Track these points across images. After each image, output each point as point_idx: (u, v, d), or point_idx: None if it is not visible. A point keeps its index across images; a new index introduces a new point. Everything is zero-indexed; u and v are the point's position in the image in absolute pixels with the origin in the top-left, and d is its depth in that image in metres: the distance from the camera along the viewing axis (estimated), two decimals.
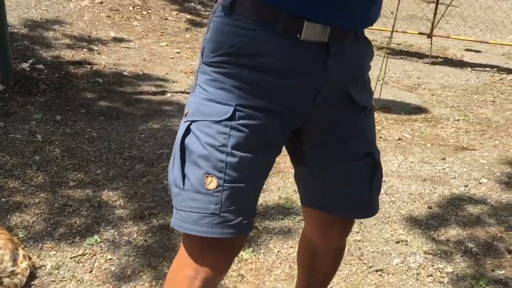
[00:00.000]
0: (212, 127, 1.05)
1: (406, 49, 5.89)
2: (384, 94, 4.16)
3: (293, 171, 1.31)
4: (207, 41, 1.10)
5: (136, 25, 5.34)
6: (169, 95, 3.81)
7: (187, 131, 1.07)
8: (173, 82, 4.08)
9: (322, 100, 1.11)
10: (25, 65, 3.75)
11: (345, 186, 1.22)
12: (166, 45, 4.98)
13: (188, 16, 6.00)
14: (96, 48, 4.48)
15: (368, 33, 5.98)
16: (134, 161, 2.75)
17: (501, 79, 4.84)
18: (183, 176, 1.05)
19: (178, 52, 4.84)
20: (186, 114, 1.10)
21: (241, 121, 1.05)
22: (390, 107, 3.95)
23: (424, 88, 4.49)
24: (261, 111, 1.07)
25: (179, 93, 3.86)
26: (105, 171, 2.62)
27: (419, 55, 5.62)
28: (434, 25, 5.51)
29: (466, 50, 6.00)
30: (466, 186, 2.71)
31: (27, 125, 2.99)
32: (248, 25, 1.03)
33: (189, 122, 1.08)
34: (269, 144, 1.10)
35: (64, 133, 2.97)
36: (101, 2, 5.60)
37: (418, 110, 3.93)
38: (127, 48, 4.70)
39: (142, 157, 2.81)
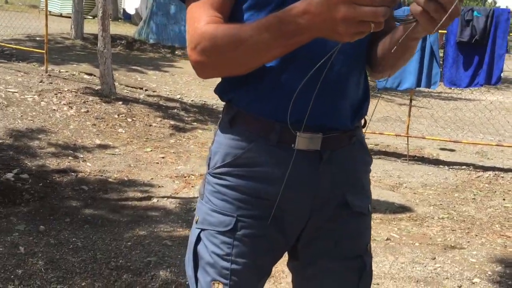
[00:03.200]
0: (217, 237, 1.12)
1: (384, 149, 6.09)
2: None
3: (284, 275, 1.30)
4: (212, 152, 1.17)
5: (121, 132, 5.45)
6: (155, 200, 3.80)
7: (198, 238, 1.15)
8: (159, 187, 4.09)
9: (318, 206, 1.14)
10: (9, 175, 3.73)
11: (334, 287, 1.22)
12: (151, 151, 5.06)
13: (172, 122, 6.18)
14: (81, 156, 4.52)
15: None
16: (121, 271, 2.66)
17: (478, 177, 4.99)
18: (196, 279, 1.15)
19: (163, 157, 4.91)
20: (197, 221, 1.17)
21: (243, 231, 1.11)
22: (375, 206, 3.99)
23: (405, 187, 4.59)
24: (261, 219, 1.12)
25: (165, 198, 3.85)
26: (90, 283, 2.52)
27: (397, 155, 5.81)
28: (408, 126, 5.77)
29: (441, 149, 6.24)
30: (460, 287, 2.68)
31: (10, 236, 2.91)
32: (246, 137, 1.10)
33: (199, 230, 1.15)
34: (271, 250, 1.15)
35: (48, 244, 2.88)
36: (87, 111, 5.76)
37: (403, 209, 3.98)
38: (112, 154, 4.76)
39: (129, 266, 2.72)
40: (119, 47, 12.04)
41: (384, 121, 8.25)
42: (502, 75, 5.05)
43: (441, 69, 5.23)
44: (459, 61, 5.12)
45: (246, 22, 1.03)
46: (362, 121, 1.25)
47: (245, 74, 1.05)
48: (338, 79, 1.09)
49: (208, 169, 1.17)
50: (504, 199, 4.34)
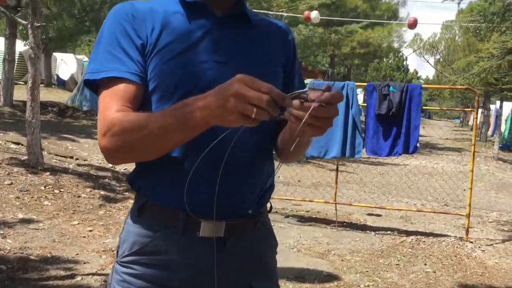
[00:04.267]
0: None
1: (314, 216, 6.25)
2: (297, 262, 4.29)
3: None
4: (121, 240, 1.20)
5: (47, 205, 5.25)
6: (79, 278, 3.64)
7: None
8: (84, 263, 3.93)
9: None
10: None
11: None
12: (78, 224, 4.90)
13: (102, 192, 6.04)
14: (1, 232, 4.29)
15: (278, 201, 6.28)
16: None
17: (402, 242, 5.22)
18: None
19: (91, 230, 4.76)
20: None
21: None
22: (304, 275, 4.05)
23: (334, 254, 4.70)
24: None
25: (90, 276, 3.70)
26: None
27: (327, 221, 5.97)
28: (336, 193, 5.98)
29: (368, 214, 6.50)
30: None
31: None
32: (153, 226, 1.16)
33: None
34: None
35: None
36: (11, 184, 5.53)
37: (331, 277, 4.06)
38: (36, 229, 4.55)
39: None
40: (50, 114, 11.80)
41: (315, 187, 8.50)
42: (418, 143, 5.43)
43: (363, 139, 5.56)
44: (379, 132, 5.49)
45: (153, 112, 1.10)
46: (268, 205, 1.33)
47: (151, 163, 1.10)
48: (241, 166, 1.15)
49: (117, 258, 1.20)
50: (425, 264, 4.55)
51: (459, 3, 5.12)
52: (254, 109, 0.84)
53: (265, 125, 0.96)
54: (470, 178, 5.34)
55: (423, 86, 5.53)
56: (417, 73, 60.35)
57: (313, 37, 12.84)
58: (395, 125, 5.42)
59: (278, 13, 10.07)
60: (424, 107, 5.76)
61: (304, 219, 6.04)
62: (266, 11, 10.61)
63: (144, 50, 1.12)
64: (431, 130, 25.14)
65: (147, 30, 1.13)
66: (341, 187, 8.60)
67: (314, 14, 8.63)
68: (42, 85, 12.55)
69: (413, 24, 9.68)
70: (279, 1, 10.53)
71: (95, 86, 1.14)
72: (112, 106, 1.07)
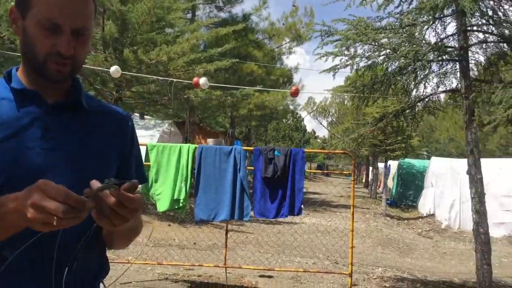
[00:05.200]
0: None
1: (206, 281, 6.15)
2: None
3: None
4: None
5: None
6: None
7: None
8: None
9: None
10: None
11: None
12: None
13: None
14: None
15: (170, 267, 6.07)
16: None
17: None
18: None
19: None
20: None
21: None
22: None
23: None
24: None
25: None
26: None
27: (219, 286, 5.89)
28: (226, 256, 5.97)
29: (260, 276, 6.53)
30: None
31: None
32: None
33: None
34: None
35: None
36: None
37: None
38: None
39: None
40: None
41: (211, 249, 8.42)
42: (302, 205, 5.66)
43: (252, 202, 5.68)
44: (266, 194, 5.65)
45: None
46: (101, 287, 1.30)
47: None
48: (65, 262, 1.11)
49: None
50: None
51: (334, 75, 5.56)
52: (55, 217, 0.86)
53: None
54: (350, 238, 5.62)
55: (305, 150, 5.85)
56: (315, 133, 63.84)
57: (210, 99, 13.20)
58: (280, 187, 5.62)
59: (168, 78, 10.25)
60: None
61: (195, 285, 5.91)
62: (159, 77, 10.77)
63: None
64: (326, 188, 26.39)
65: None
66: (237, 249, 8.61)
67: (202, 81, 8.94)
68: None
69: (295, 93, 10.39)
70: (176, 64, 10.75)
71: None
72: None
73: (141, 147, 5.73)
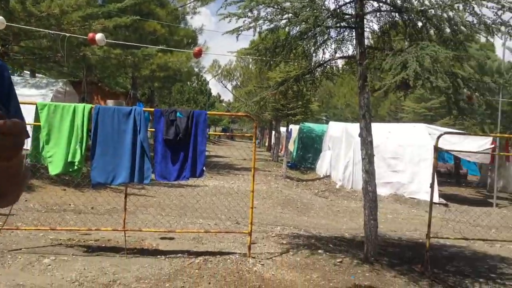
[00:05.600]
0: None
1: (104, 245, 5.99)
2: None
3: None
4: None
5: None
6: None
7: None
8: None
9: None
10: None
11: None
12: None
13: None
14: None
15: (64, 232, 5.84)
16: None
17: (190, 264, 5.34)
18: None
19: None
20: None
21: None
22: None
23: (119, 284, 4.55)
24: None
25: None
26: None
27: (117, 249, 5.77)
28: (126, 220, 5.84)
29: (161, 238, 6.50)
30: None
31: None
32: None
33: None
34: None
35: None
36: None
37: None
38: None
39: None
40: None
41: (110, 213, 8.18)
42: (205, 167, 5.67)
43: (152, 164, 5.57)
44: (167, 156, 5.56)
45: None
46: None
47: None
48: None
49: None
50: (209, 283, 4.72)
51: (237, 37, 5.52)
52: None
53: None
54: (250, 198, 5.76)
55: (208, 113, 5.82)
56: (220, 96, 63.78)
57: (109, 58, 12.52)
58: (182, 150, 5.56)
59: (62, 33, 9.52)
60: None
61: (92, 249, 5.73)
62: (50, 31, 9.97)
63: None
64: (229, 151, 26.72)
65: None
66: (138, 212, 8.47)
67: (99, 37, 8.42)
68: None
69: (198, 53, 10.23)
70: (70, 19, 9.99)
71: None
72: None
73: (30, 106, 5.32)
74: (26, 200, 8.58)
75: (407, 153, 13.68)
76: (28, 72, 16.67)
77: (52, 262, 5.06)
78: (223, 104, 58.28)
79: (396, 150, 13.78)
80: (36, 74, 16.51)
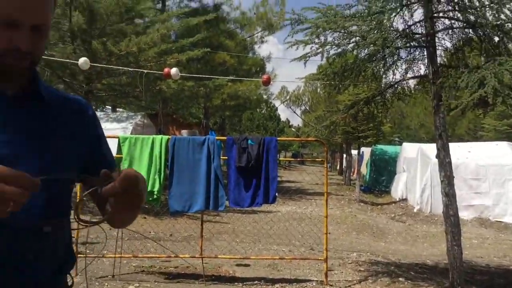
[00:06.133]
0: None
1: (183, 272, 6.15)
2: None
3: None
4: None
5: None
6: None
7: None
8: None
9: None
10: None
11: None
12: None
13: None
14: None
15: (146, 259, 6.06)
16: None
17: None
18: None
19: None
20: None
21: None
22: None
23: None
24: None
25: None
26: None
27: (196, 276, 5.90)
28: (203, 247, 5.97)
29: (237, 265, 6.57)
30: None
31: None
32: None
33: None
34: None
35: None
36: None
37: None
38: None
39: None
40: None
41: (187, 241, 8.41)
42: (276, 195, 5.71)
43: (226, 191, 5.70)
44: (240, 183, 5.67)
45: None
46: (69, 279, 1.29)
47: None
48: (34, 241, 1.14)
49: None
50: None
51: (305, 63, 5.59)
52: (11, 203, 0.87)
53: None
54: (324, 223, 5.70)
55: (278, 139, 5.89)
56: (289, 121, 64.13)
57: (183, 90, 13.10)
58: (255, 176, 5.64)
59: (140, 70, 10.12)
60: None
61: (172, 276, 5.90)
62: (129, 68, 10.61)
63: None
64: (301, 176, 26.59)
65: None
66: (213, 239, 8.62)
67: (174, 71, 8.86)
68: None
69: (266, 81, 10.41)
70: (147, 55, 10.62)
71: None
72: None
73: (113, 139, 5.66)
74: (110, 229, 9.02)
75: (490, 173, 12.90)
76: (110, 107, 17.76)
77: None
78: (293, 129, 58.42)
79: (477, 171, 13.05)
80: (117, 109, 17.56)
